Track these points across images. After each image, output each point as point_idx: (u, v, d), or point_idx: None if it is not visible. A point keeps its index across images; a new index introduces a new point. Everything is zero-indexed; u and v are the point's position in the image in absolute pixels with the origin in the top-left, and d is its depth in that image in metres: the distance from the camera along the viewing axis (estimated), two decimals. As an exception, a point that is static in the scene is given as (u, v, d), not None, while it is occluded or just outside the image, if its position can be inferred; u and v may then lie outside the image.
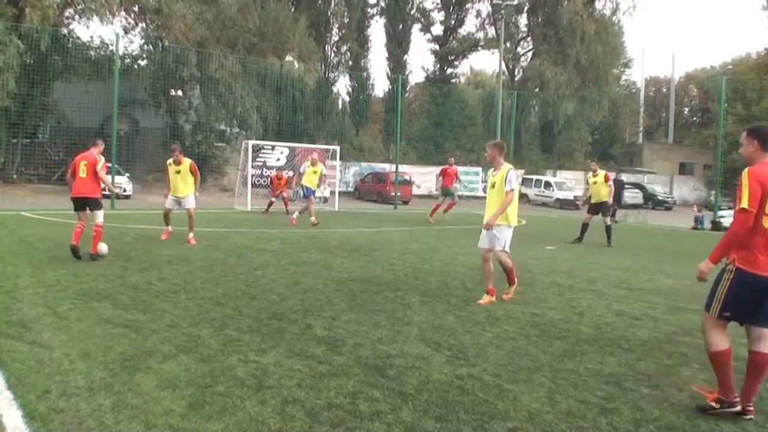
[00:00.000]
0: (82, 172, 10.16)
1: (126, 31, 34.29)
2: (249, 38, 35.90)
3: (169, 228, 13.32)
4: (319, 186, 19.38)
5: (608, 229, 16.42)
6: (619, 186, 26.77)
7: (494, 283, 8.17)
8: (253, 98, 35.70)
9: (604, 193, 16.51)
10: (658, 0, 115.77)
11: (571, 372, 5.31)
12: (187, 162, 13.15)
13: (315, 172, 18.69)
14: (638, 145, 64.80)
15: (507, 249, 8.07)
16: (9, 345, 5.35)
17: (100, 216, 10.31)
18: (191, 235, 12.91)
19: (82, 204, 10.30)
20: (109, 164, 24.59)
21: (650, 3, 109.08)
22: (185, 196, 13.09)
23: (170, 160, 13.27)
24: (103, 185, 10.49)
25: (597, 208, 16.70)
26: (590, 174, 17.22)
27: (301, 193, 19.49)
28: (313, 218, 18.06)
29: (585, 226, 16.69)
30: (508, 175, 7.88)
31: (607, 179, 16.60)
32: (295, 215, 18.60)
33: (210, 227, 16.16)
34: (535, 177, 44.61)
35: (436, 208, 21.64)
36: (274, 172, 24.40)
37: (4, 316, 6.31)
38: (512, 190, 7.82)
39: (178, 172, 13.05)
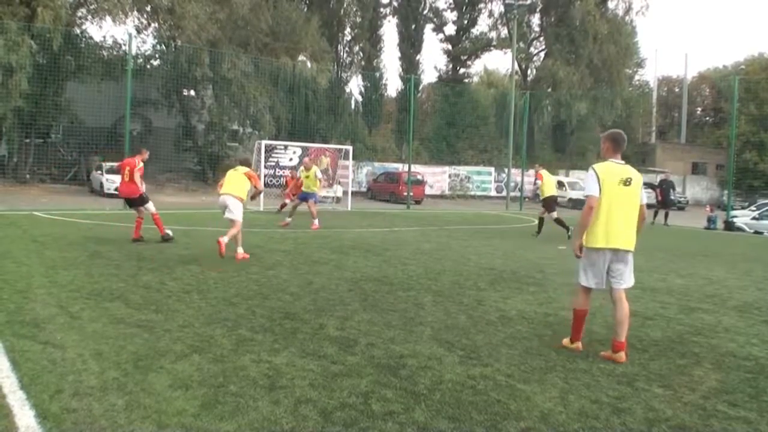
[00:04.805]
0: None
1: (139, 31, 34.51)
2: (261, 38, 36.00)
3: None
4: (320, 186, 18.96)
5: (540, 221, 18.08)
6: (669, 186, 26.08)
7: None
8: (266, 98, 35.78)
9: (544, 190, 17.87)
10: (671, 0, 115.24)
11: (584, 372, 5.29)
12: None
13: (308, 177, 18.12)
14: (651, 144, 64.41)
15: (580, 281, 6.14)
16: (22, 345, 5.36)
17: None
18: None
19: None
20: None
21: (663, 3, 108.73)
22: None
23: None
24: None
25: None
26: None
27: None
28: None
29: (541, 221, 18.17)
30: (587, 175, 5.90)
31: (538, 178, 18.14)
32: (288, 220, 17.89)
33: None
34: (548, 177, 44.39)
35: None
36: (289, 173, 24.39)
37: (18, 316, 6.33)
38: (589, 196, 5.74)
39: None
